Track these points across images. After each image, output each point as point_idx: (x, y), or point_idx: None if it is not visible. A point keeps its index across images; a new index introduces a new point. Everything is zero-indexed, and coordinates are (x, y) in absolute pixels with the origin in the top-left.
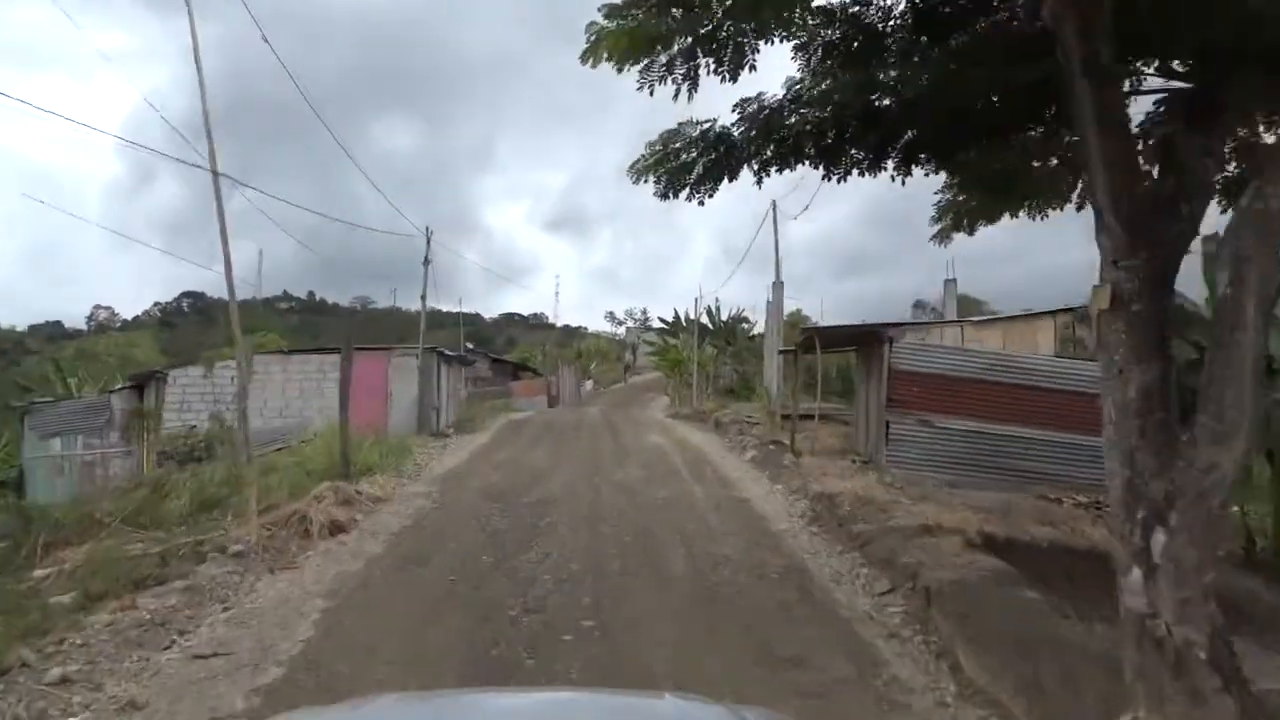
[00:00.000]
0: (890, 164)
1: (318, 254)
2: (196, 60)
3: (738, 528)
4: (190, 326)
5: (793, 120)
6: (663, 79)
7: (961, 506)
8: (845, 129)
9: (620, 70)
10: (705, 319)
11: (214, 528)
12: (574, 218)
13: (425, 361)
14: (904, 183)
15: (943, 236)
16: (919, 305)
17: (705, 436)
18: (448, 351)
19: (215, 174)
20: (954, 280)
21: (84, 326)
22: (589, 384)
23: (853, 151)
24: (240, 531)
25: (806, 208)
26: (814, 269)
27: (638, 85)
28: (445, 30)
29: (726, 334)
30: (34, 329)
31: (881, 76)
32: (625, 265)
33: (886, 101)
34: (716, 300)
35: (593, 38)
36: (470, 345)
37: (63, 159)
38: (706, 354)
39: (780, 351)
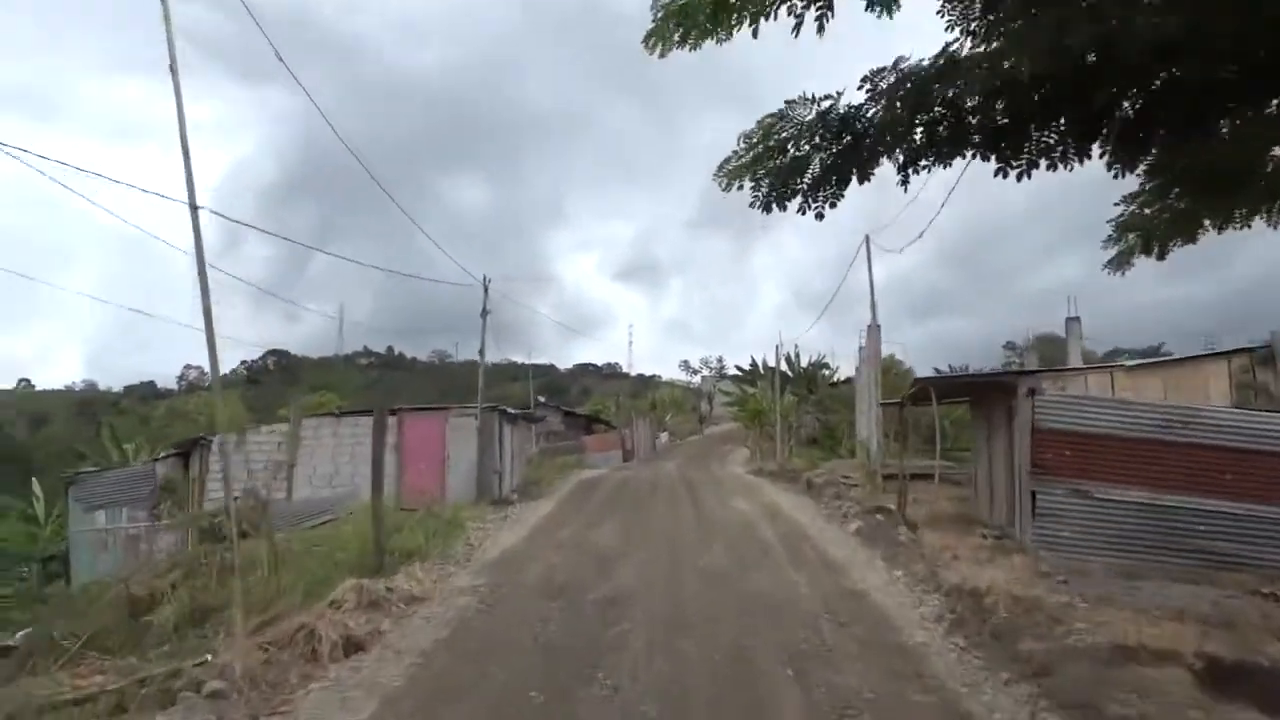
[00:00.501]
0: (1097, 149)
1: (388, 305)
2: (173, 70)
3: (860, 641)
4: (275, 383)
5: (950, 94)
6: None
7: (1160, 612)
8: (1029, 102)
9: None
10: (784, 366)
11: (202, 648)
12: (645, 267)
13: (485, 421)
14: (1123, 175)
15: (1122, 262)
16: (1010, 347)
17: (796, 500)
18: (511, 410)
19: (194, 207)
20: (1078, 319)
21: (175, 386)
22: (664, 436)
23: (1042, 135)
24: (228, 656)
25: (921, 235)
26: (890, 311)
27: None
28: (510, 87)
29: (807, 381)
30: (129, 389)
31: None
32: (697, 314)
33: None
34: (796, 346)
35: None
36: (541, 398)
37: (157, 226)
38: (787, 403)
39: (881, 404)
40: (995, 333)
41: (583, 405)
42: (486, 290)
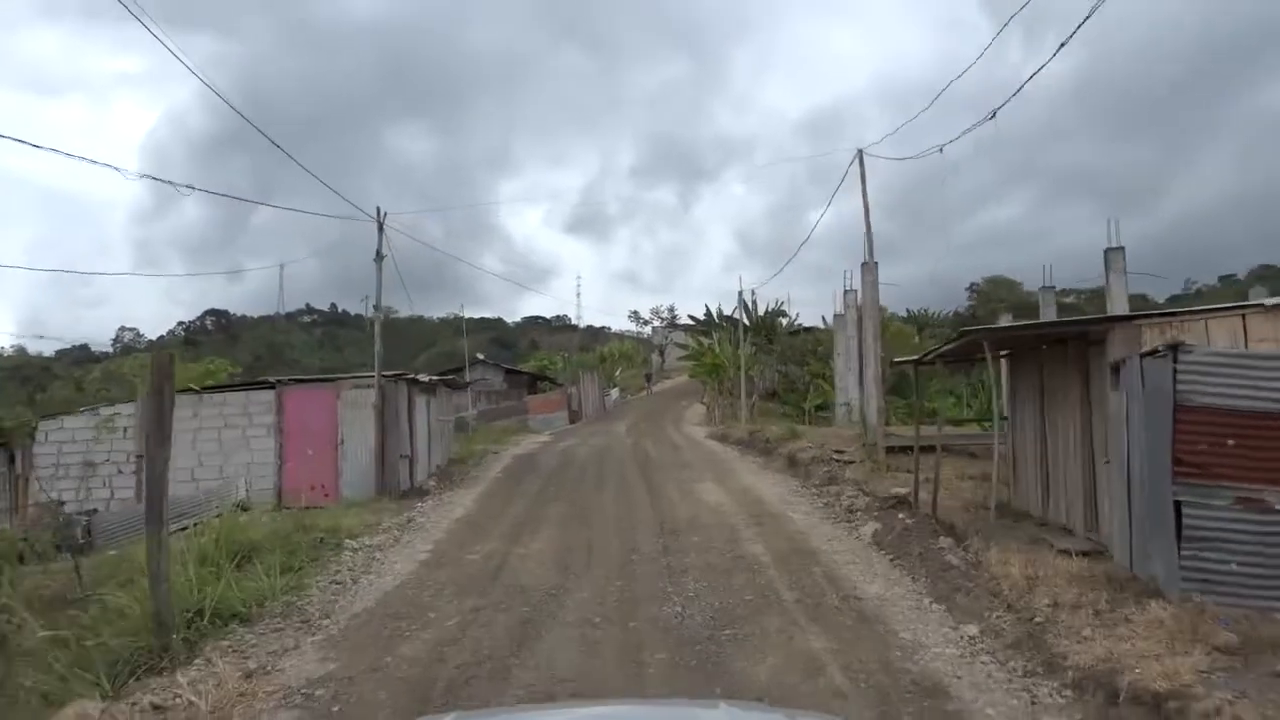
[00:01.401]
0: None
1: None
2: None
3: None
4: (214, 344)
5: None
6: None
7: None
8: None
9: None
10: (741, 314)
11: None
12: (592, 217)
13: (388, 395)
14: None
15: None
16: (973, 290)
17: (780, 484)
18: (425, 378)
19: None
20: (1121, 249)
21: (110, 349)
22: (614, 393)
23: None
24: None
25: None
26: (832, 258)
27: None
28: (453, 30)
29: (766, 330)
30: (61, 354)
31: None
32: (646, 264)
33: None
34: (753, 293)
35: None
36: (481, 356)
37: (85, 185)
38: (727, 349)
39: (897, 362)
40: (939, 277)
41: (531, 359)
42: (382, 228)
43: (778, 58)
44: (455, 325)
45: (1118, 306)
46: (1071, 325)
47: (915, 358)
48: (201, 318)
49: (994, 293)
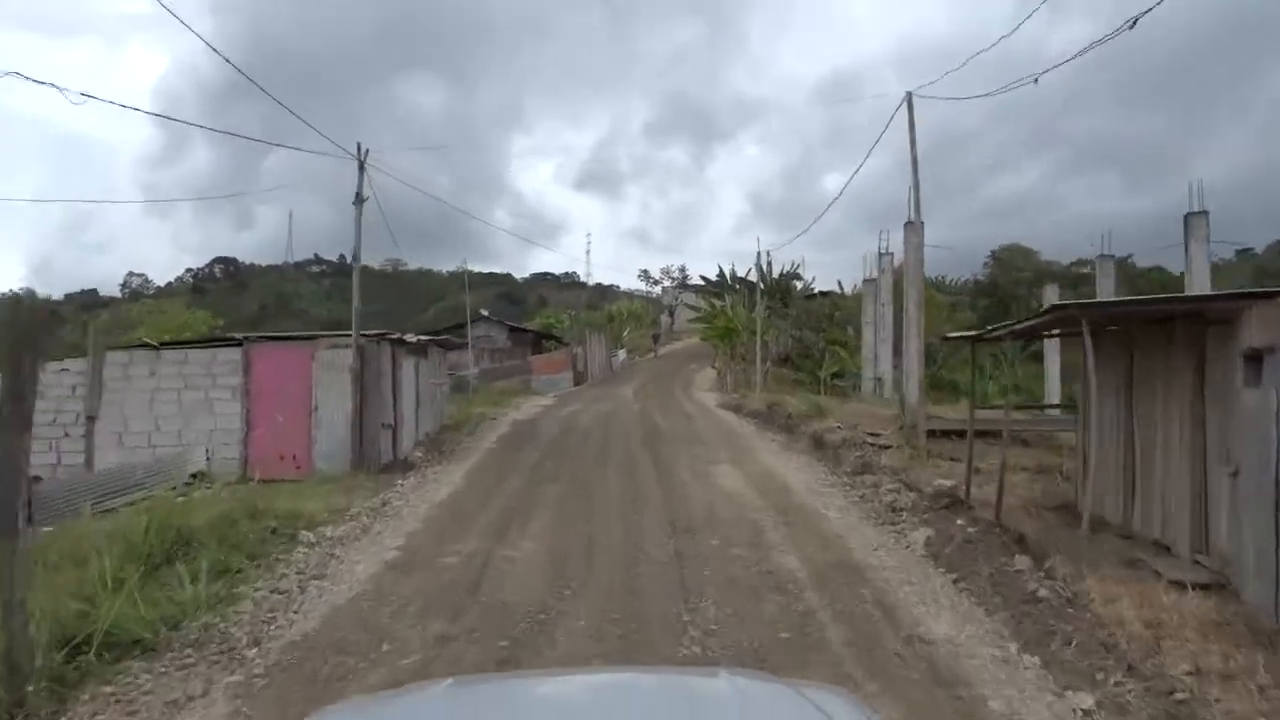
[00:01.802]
0: None
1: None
2: None
3: None
4: (222, 291)
5: None
6: None
7: None
8: None
9: None
10: (757, 276)
11: None
12: (604, 176)
13: (367, 356)
14: None
15: None
16: (994, 259)
17: (806, 469)
18: (412, 338)
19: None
20: (1204, 214)
21: (118, 294)
22: (621, 354)
23: None
24: None
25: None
26: (849, 222)
27: None
28: None
29: (781, 294)
30: (69, 298)
31: None
32: (656, 224)
33: None
34: (769, 253)
35: None
36: (484, 312)
37: (95, 128)
38: (741, 312)
39: (950, 337)
40: (953, 245)
41: (538, 316)
42: (363, 167)
43: (794, 20)
44: (464, 279)
45: (1199, 280)
46: (1191, 302)
47: (975, 332)
48: (210, 265)
49: (1012, 261)
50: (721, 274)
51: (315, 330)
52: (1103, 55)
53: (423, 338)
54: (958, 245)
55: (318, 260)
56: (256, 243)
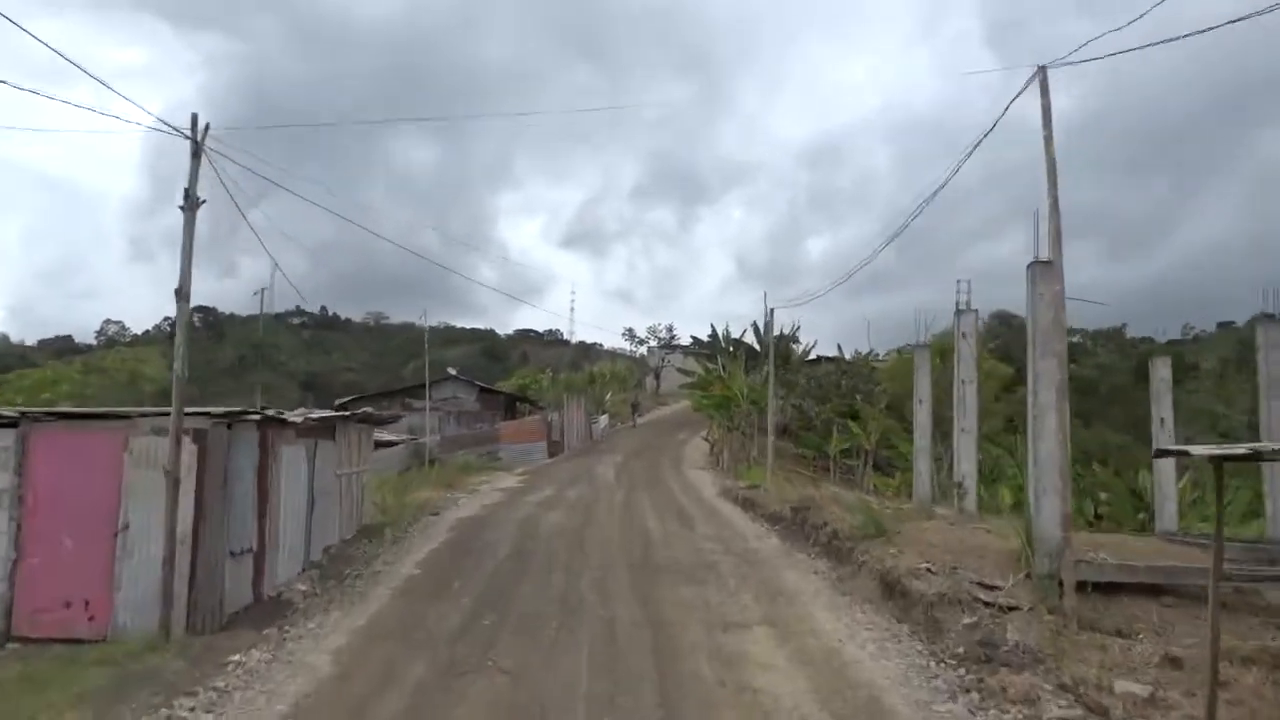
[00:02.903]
0: None
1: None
2: None
3: None
4: (200, 342)
5: None
6: None
7: None
8: None
9: None
10: (767, 338)
11: None
12: (590, 235)
13: (213, 447)
14: None
15: None
16: (1003, 321)
17: (889, 643)
18: (297, 416)
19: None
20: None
21: (94, 341)
22: (603, 420)
23: None
24: None
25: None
26: (822, 286)
27: None
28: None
29: (780, 358)
30: (43, 343)
31: None
32: (641, 283)
33: None
34: (771, 312)
35: None
36: (452, 370)
37: (82, 174)
38: (740, 379)
39: (1177, 452)
40: (920, 309)
41: (514, 375)
42: (199, 153)
43: (784, 85)
44: (446, 334)
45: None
46: None
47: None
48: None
49: (1000, 329)
50: (714, 334)
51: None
52: (1082, 125)
53: (321, 415)
54: (940, 309)
55: (299, 311)
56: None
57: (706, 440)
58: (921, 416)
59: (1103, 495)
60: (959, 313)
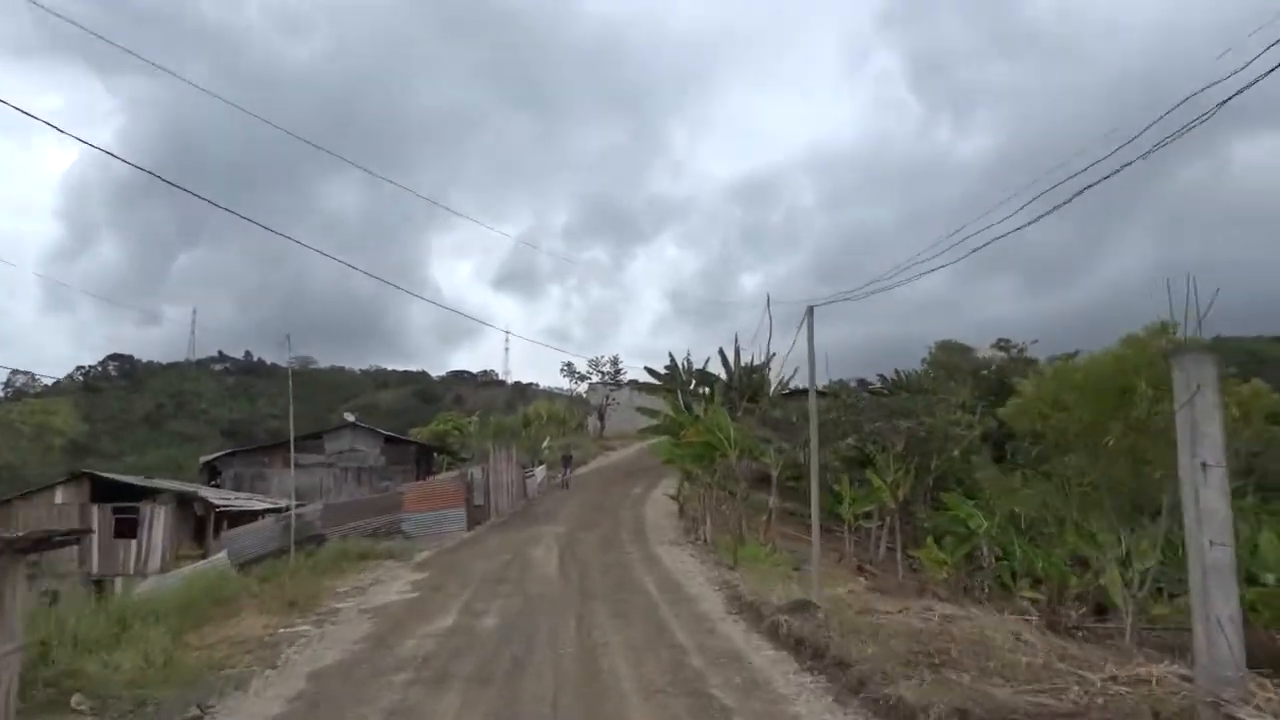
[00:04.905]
0: None
1: None
2: None
3: None
4: (117, 392)
5: None
6: None
7: None
8: None
9: None
10: (718, 368)
11: None
12: (524, 275)
13: None
14: None
15: None
16: (1003, 346)
17: None
18: None
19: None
20: None
21: (1, 393)
22: (540, 472)
23: None
24: None
25: None
26: (759, 324)
27: None
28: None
29: (750, 391)
30: None
31: None
32: (576, 321)
33: None
34: (736, 341)
35: None
36: (350, 417)
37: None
38: (724, 420)
39: None
40: (872, 339)
41: (435, 420)
42: None
43: (713, 126)
44: (378, 377)
45: None
46: None
47: None
48: (104, 362)
49: (948, 360)
50: (673, 364)
51: None
52: (1007, 163)
53: None
54: (857, 344)
55: (221, 358)
56: (161, 340)
57: (673, 499)
58: (1184, 464)
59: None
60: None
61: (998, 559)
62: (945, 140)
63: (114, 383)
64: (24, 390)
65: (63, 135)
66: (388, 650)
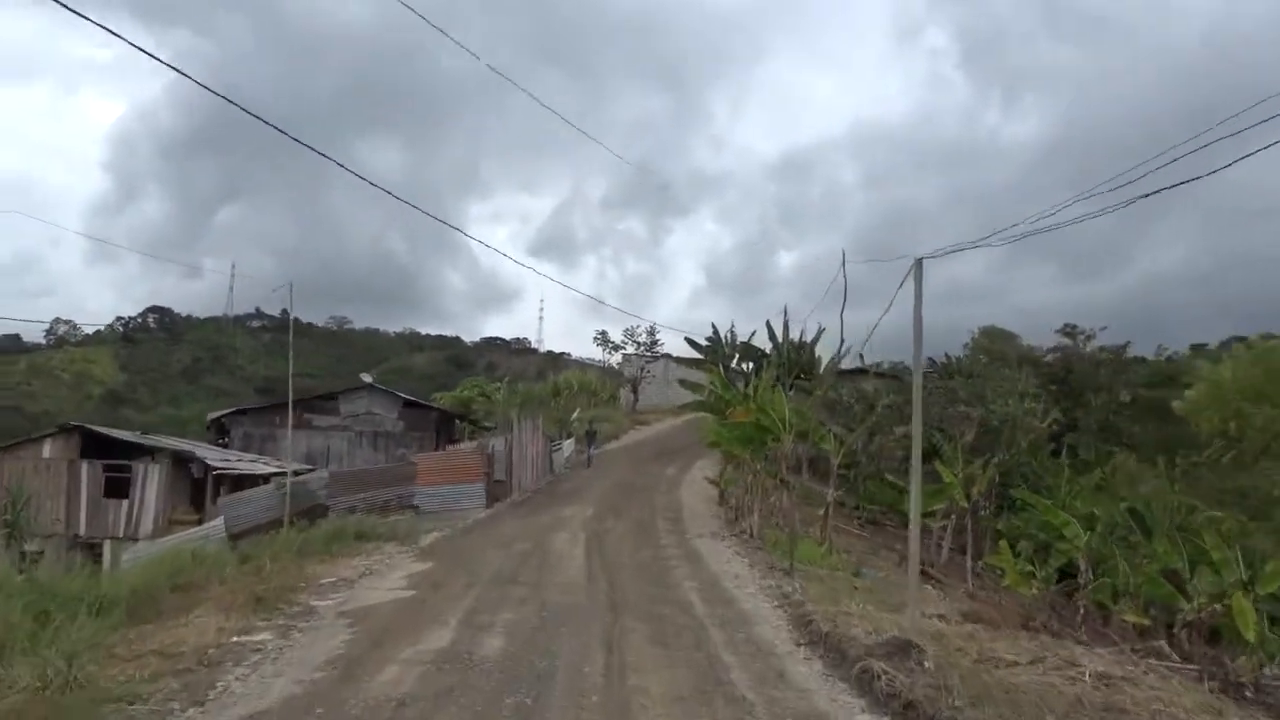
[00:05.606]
0: None
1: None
2: None
3: None
4: (155, 343)
5: None
6: None
7: None
8: None
9: None
10: (767, 341)
11: None
12: (559, 244)
13: None
14: None
15: None
16: (1070, 331)
17: None
18: None
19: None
20: None
21: (44, 341)
22: (568, 445)
23: None
24: None
25: None
26: (797, 301)
27: None
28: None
29: (800, 367)
30: None
31: None
32: (610, 293)
33: None
34: (785, 314)
35: None
36: (367, 378)
37: (42, 171)
38: (778, 398)
39: None
40: (900, 331)
41: (460, 386)
42: None
43: (756, 98)
44: (412, 340)
45: None
46: None
47: None
48: (144, 314)
49: (992, 347)
50: (715, 335)
51: None
52: (1054, 149)
53: None
54: (884, 331)
55: (259, 314)
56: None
57: (712, 483)
58: None
59: None
60: None
61: (1094, 574)
62: (993, 122)
63: (153, 334)
64: (65, 339)
65: (110, 85)
66: (354, 686)
